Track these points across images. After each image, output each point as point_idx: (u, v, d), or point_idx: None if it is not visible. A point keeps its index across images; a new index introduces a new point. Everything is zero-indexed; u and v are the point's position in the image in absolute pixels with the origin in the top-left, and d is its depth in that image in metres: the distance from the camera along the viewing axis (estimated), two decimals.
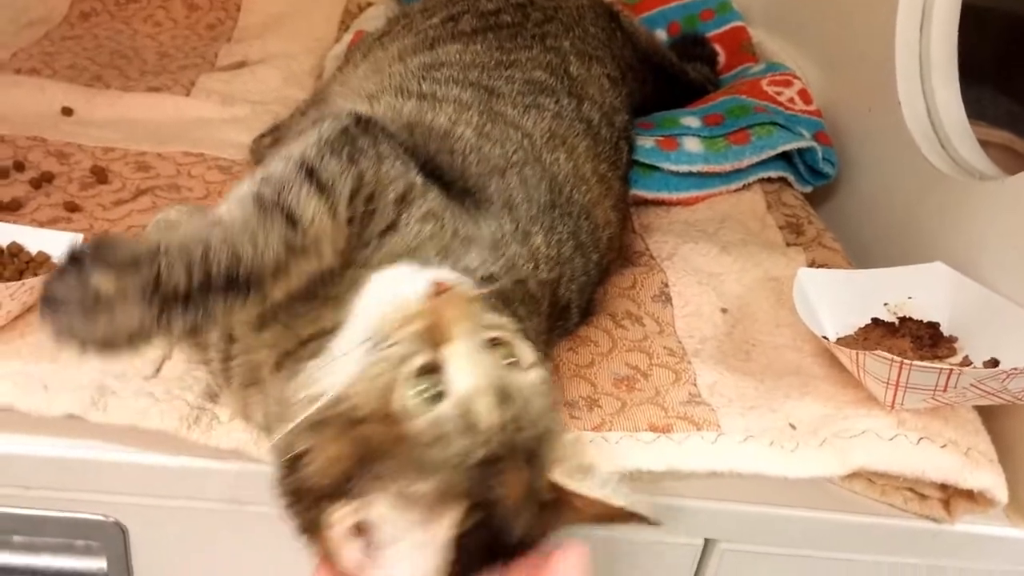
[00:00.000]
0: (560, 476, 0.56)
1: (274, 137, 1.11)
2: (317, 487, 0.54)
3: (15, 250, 0.84)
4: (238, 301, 0.58)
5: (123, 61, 1.36)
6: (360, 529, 0.53)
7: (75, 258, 0.56)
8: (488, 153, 0.81)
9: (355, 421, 0.53)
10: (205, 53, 1.43)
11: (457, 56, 0.94)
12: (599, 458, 0.68)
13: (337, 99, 1.00)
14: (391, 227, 0.68)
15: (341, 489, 0.53)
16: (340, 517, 0.53)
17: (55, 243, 0.84)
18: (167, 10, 1.54)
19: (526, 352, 0.59)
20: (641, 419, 0.72)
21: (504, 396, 0.54)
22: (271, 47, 1.44)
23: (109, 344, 0.56)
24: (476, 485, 0.52)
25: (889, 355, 0.67)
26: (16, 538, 0.75)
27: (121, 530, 0.72)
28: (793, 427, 0.73)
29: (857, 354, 0.71)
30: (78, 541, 0.75)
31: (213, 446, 0.67)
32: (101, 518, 0.72)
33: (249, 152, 1.11)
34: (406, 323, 0.55)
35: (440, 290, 0.57)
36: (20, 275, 0.80)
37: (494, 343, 0.57)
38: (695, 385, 0.78)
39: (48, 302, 0.56)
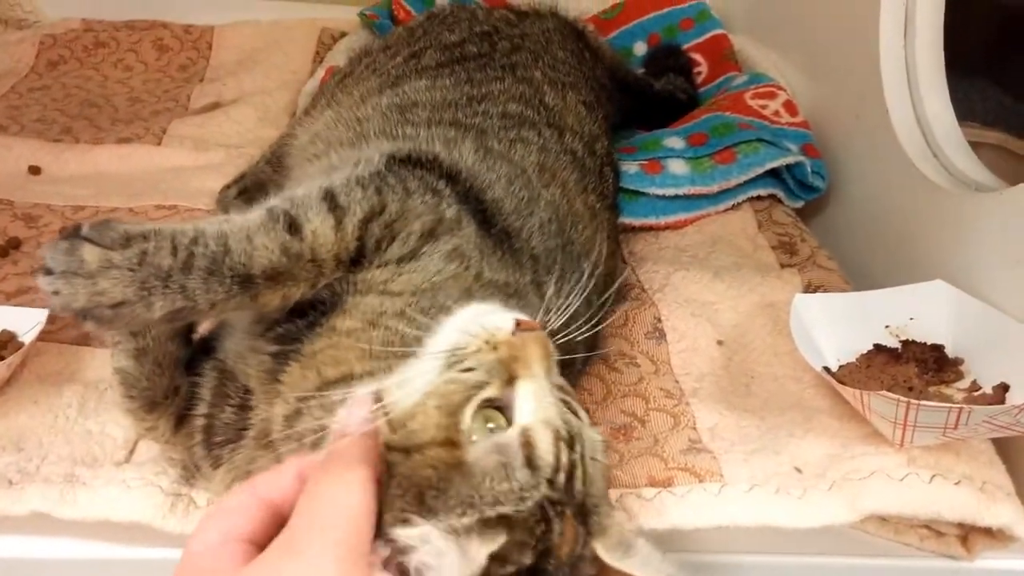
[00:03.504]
0: (603, 551, 0.52)
1: (240, 187, 1.08)
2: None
3: None
4: (220, 291, 0.58)
5: (93, 110, 1.33)
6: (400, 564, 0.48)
7: (74, 231, 0.58)
8: (510, 191, 0.78)
9: (417, 446, 0.50)
10: (178, 96, 1.40)
11: (427, 94, 0.91)
12: None
13: (306, 149, 0.96)
14: (411, 256, 0.66)
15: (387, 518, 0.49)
16: (382, 547, 0.48)
17: (21, 320, 0.80)
18: (137, 53, 1.51)
19: (583, 413, 0.56)
20: (640, 473, 0.69)
21: (570, 441, 0.51)
22: (246, 85, 1.41)
23: (93, 314, 0.57)
24: (536, 525, 0.48)
25: (895, 396, 0.64)
26: None
27: None
28: (799, 471, 0.70)
29: (862, 394, 0.68)
30: None
31: (190, 534, 0.63)
32: None
33: (216, 204, 1.08)
34: (487, 351, 0.53)
35: (525, 328, 0.54)
36: None
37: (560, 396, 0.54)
38: (695, 429, 0.75)
39: (43, 268, 0.58)
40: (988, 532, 0.68)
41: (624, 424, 0.76)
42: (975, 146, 1.00)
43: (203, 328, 0.73)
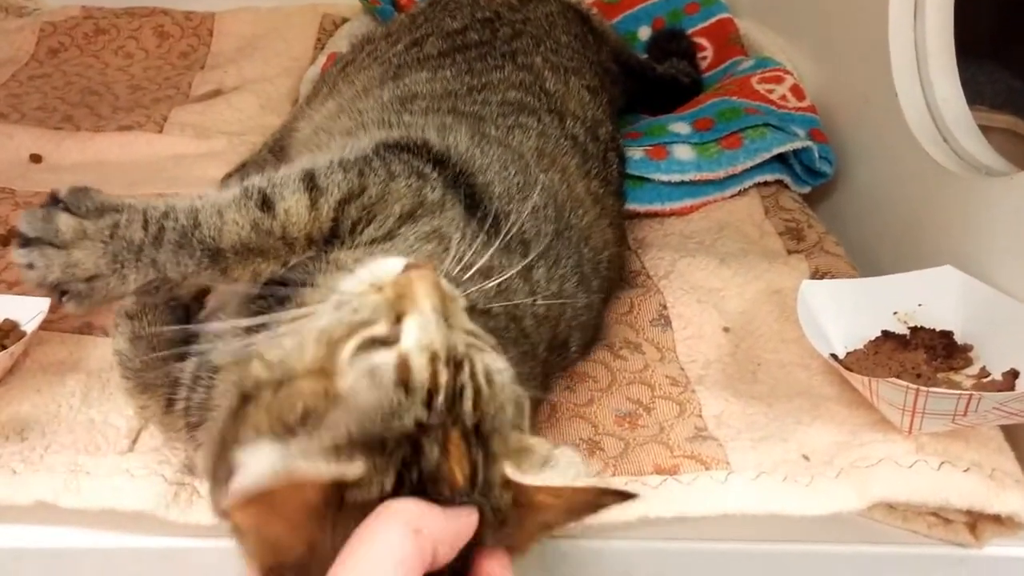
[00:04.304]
0: (514, 471, 0.49)
1: (241, 176, 1.07)
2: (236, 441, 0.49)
3: None
4: (190, 264, 0.60)
5: (94, 98, 1.33)
6: None
7: (51, 199, 0.60)
8: (502, 176, 0.77)
9: (288, 377, 0.49)
10: (179, 83, 1.39)
11: (427, 86, 0.90)
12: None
13: (308, 138, 0.96)
14: (386, 236, 0.66)
15: None
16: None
17: (23, 309, 0.80)
18: (138, 40, 1.49)
19: (499, 360, 0.53)
20: (646, 461, 0.69)
21: (457, 363, 0.49)
22: (247, 72, 1.40)
23: (68, 287, 0.59)
24: (398, 448, 0.46)
25: (904, 383, 0.63)
26: None
27: None
28: (807, 458, 0.69)
29: (871, 381, 0.67)
30: None
31: (193, 524, 0.63)
32: None
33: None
34: (372, 292, 0.52)
35: (413, 269, 0.53)
36: None
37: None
38: (701, 417, 0.74)
39: (19, 237, 0.60)
40: (997, 519, 0.67)
41: (629, 412, 0.75)
42: (984, 130, 0.99)
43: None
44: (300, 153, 0.94)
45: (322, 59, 1.33)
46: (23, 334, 0.78)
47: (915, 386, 0.63)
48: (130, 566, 0.66)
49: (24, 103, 1.29)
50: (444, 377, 0.48)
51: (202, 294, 0.75)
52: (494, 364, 0.52)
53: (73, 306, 0.61)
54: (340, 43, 1.39)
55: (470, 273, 0.63)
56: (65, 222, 0.58)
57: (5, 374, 0.76)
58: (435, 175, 0.71)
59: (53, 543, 0.65)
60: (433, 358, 0.48)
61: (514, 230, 0.73)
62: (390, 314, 0.50)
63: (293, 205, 0.63)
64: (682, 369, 0.81)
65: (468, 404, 0.48)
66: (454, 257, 0.64)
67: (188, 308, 0.73)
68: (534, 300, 0.72)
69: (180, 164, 1.15)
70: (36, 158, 1.15)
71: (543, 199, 0.78)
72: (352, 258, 0.63)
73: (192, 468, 0.67)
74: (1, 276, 0.91)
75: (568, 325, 0.76)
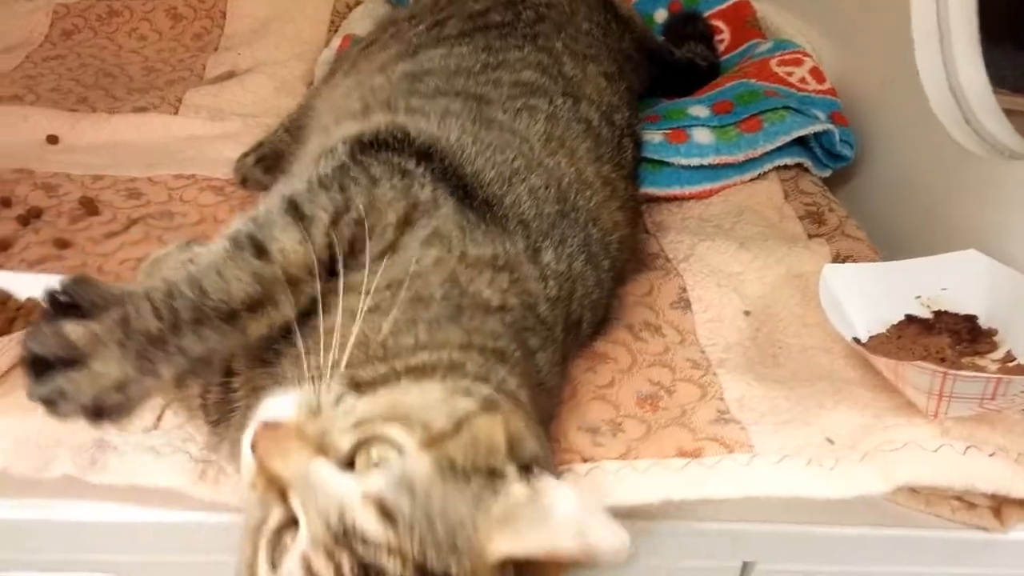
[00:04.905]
0: (505, 542, 0.49)
1: (258, 155, 1.07)
2: None
3: (3, 298, 0.80)
4: (212, 336, 0.57)
5: (108, 80, 1.32)
6: None
7: (51, 303, 0.57)
8: (497, 161, 0.77)
9: None
10: (192, 65, 1.38)
11: (441, 62, 0.89)
12: (626, 489, 0.65)
13: (322, 118, 0.95)
14: (390, 249, 0.65)
15: None
16: None
17: (46, 287, 0.80)
18: (151, 22, 1.49)
19: (402, 437, 0.51)
20: (668, 443, 0.69)
21: (350, 537, 0.47)
22: (260, 54, 1.39)
23: (104, 404, 0.55)
24: None
25: (931, 366, 0.63)
26: None
27: None
28: (831, 442, 0.69)
29: (897, 364, 0.66)
30: None
31: (222, 501, 0.63)
32: None
33: (234, 172, 1.07)
34: (250, 490, 0.51)
35: (263, 439, 0.51)
36: (10, 324, 0.77)
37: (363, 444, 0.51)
38: (723, 400, 0.74)
39: (31, 366, 0.56)
40: (1022, 504, 0.67)
41: (650, 394, 0.75)
42: (1006, 113, 0.98)
43: None
44: (315, 131, 0.94)
45: (336, 41, 1.32)
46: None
47: (942, 369, 0.63)
48: (156, 538, 0.66)
49: (39, 84, 1.28)
50: (349, 564, 0.47)
51: None
52: (408, 453, 0.50)
53: (115, 421, 0.56)
54: (354, 25, 1.38)
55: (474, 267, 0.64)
56: (74, 331, 0.54)
57: None
58: (420, 170, 0.70)
59: (80, 517, 0.65)
60: (328, 553, 0.47)
61: (511, 212, 0.72)
62: (274, 498, 0.50)
63: (287, 243, 0.61)
64: (703, 352, 0.80)
65: (395, 564, 0.47)
66: (460, 257, 0.64)
67: None
68: (546, 284, 0.72)
69: (195, 145, 1.15)
70: (53, 139, 1.15)
71: (542, 181, 0.78)
72: (360, 279, 0.61)
73: (215, 447, 0.67)
74: (21, 256, 0.91)
75: (580, 304, 0.76)
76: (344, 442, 0.50)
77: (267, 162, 1.06)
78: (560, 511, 0.51)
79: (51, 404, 0.55)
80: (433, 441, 0.51)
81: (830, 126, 1.04)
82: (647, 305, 0.86)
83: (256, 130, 1.16)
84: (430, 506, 0.48)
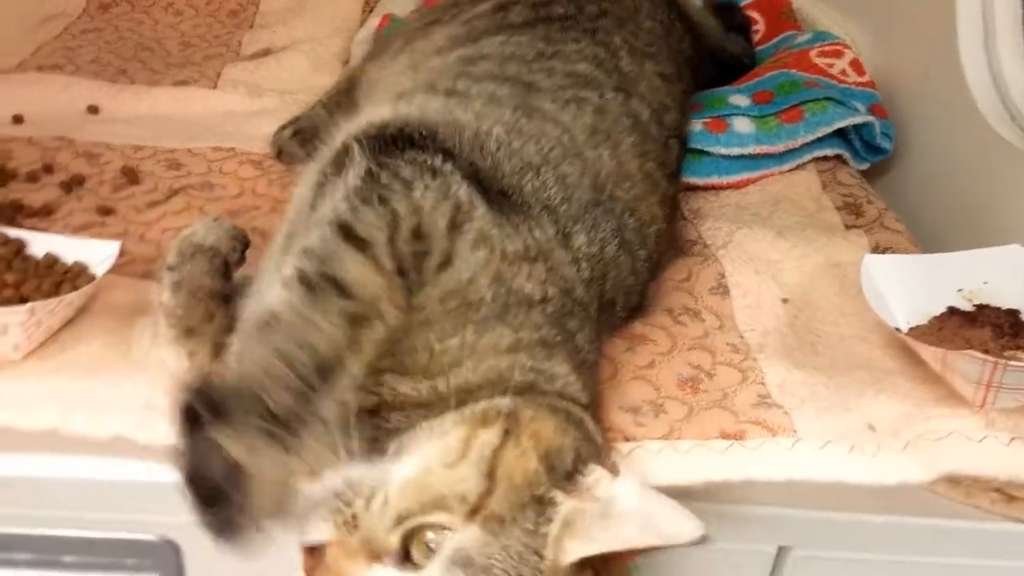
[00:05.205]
0: (575, 548, 0.51)
1: (295, 128, 1.07)
2: None
3: (50, 261, 0.81)
4: (343, 384, 0.57)
5: (147, 54, 1.33)
6: None
7: (185, 416, 0.55)
8: (521, 150, 0.77)
9: None
10: (229, 41, 1.39)
11: (498, 48, 0.89)
12: (668, 469, 0.66)
13: (372, 93, 0.95)
14: (447, 261, 0.64)
15: None
16: None
17: (92, 252, 0.81)
18: None
19: (446, 520, 0.52)
20: (711, 425, 0.69)
21: None
22: (296, 32, 1.40)
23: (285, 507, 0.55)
24: None
25: (982, 355, 0.63)
26: (66, 558, 0.74)
27: (174, 549, 0.70)
28: (872, 428, 0.69)
29: (945, 353, 0.67)
30: (129, 560, 0.73)
31: None
32: (153, 538, 0.70)
33: (270, 145, 1.08)
34: None
35: (313, 564, 0.52)
36: (57, 288, 0.78)
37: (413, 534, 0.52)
38: (763, 384, 0.74)
39: (196, 489, 0.54)
40: None
41: (691, 376, 0.75)
42: None
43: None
44: (366, 103, 0.94)
45: (374, 21, 1.32)
46: (92, 277, 0.79)
47: (993, 359, 0.63)
48: None
49: (78, 56, 1.29)
50: None
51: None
52: (456, 531, 0.51)
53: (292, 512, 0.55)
54: (391, 4, 1.38)
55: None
56: (230, 445, 0.52)
57: (77, 314, 0.77)
58: (448, 167, 0.69)
59: (128, 475, 0.66)
60: None
61: (533, 199, 0.73)
62: None
63: (359, 275, 0.60)
64: (741, 337, 0.81)
65: None
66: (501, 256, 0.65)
67: (226, 259, 0.76)
68: (579, 267, 0.72)
69: (233, 120, 1.15)
70: (93, 109, 1.15)
71: (577, 170, 0.78)
72: (435, 297, 0.62)
73: None
74: (65, 221, 0.92)
75: (614, 286, 0.77)
76: (392, 541, 0.52)
77: (303, 136, 1.06)
78: (622, 506, 0.53)
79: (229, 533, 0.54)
80: (476, 509, 0.52)
81: (871, 118, 1.03)
82: (686, 290, 0.86)
83: (293, 107, 1.17)
84: (491, 567, 0.51)
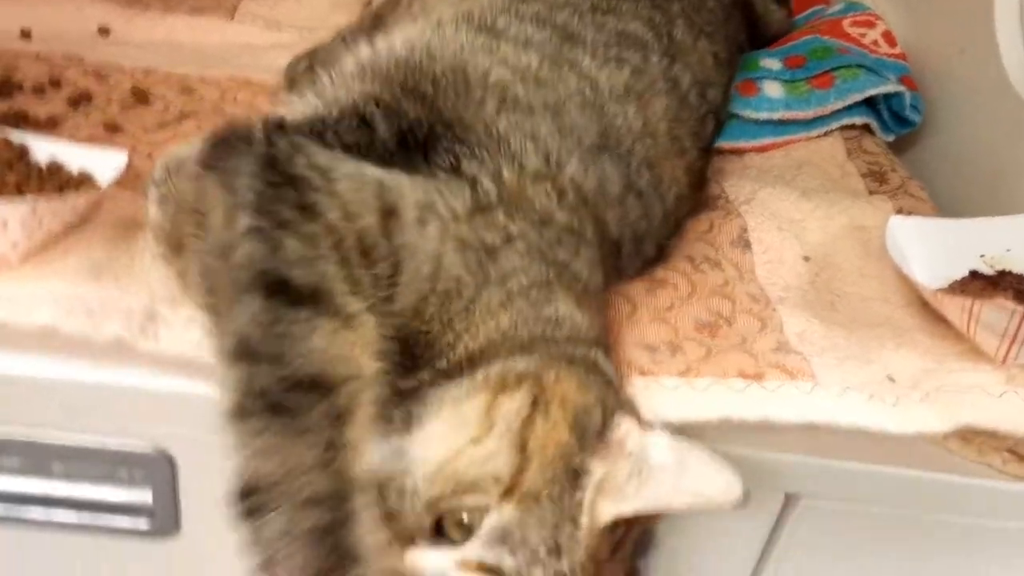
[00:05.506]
0: (609, 508, 0.51)
1: (310, 61, 1.05)
2: None
3: (54, 168, 0.78)
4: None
5: None
6: None
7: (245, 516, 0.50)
8: (519, 93, 0.73)
9: None
10: None
11: None
12: (684, 406, 0.64)
13: (405, 17, 0.93)
14: (396, 270, 0.56)
15: None
16: None
17: (98, 161, 0.78)
18: None
19: (480, 501, 0.50)
20: (730, 366, 0.67)
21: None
22: None
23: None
24: None
25: (1012, 303, 0.62)
26: (56, 466, 0.72)
27: (169, 462, 0.68)
28: (892, 380, 0.68)
29: (972, 303, 0.65)
30: (121, 471, 0.71)
31: None
32: (148, 450, 0.68)
33: (284, 73, 1.05)
34: None
35: None
36: (60, 193, 0.75)
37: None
38: (783, 333, 0.73)
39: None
40: None
41: (710, 322, 0.73)
42: None
43: None
44: (400, 26, 0.92)
45: None
46: (98, 188, 0.77)
47: (1023, 308, 0.61)
48: (207, 412, 0.65)
49: None
50: None
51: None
52: (492, 512, 0.50)
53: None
54: None
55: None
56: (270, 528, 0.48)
57: (79, 223, 0.75)
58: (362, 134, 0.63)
59: (126, 382, 0.64)
60: None
61: (520, 148, 0.68)
62: None
63: (321, 345, 0.50)
64: (762, 289, 0.79)
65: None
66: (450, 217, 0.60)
67: None
68: (561, 195, 0.67)
69: (250, 52, 1.13)
70: (104, 31, 1.13)
71: (587, 119, 0.75)
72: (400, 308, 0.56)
73: None
74: (70, 135, 0.90)
75: (618, 224, 0.74)
76: (424, 522, 0.50)
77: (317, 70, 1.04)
78: (654, 461, 0.51)
79: None
80: (511, 488, 0.50)
81: (902, 88, 1.02)
82: (707, 242, 0.84)
83: (311, 43, 1.14)
84: (528, 540, 0.49)
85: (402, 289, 0.56)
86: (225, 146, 0.59)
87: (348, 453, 0.49)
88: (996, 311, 0.63)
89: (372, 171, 0.59)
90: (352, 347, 0.51)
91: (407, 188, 0.59)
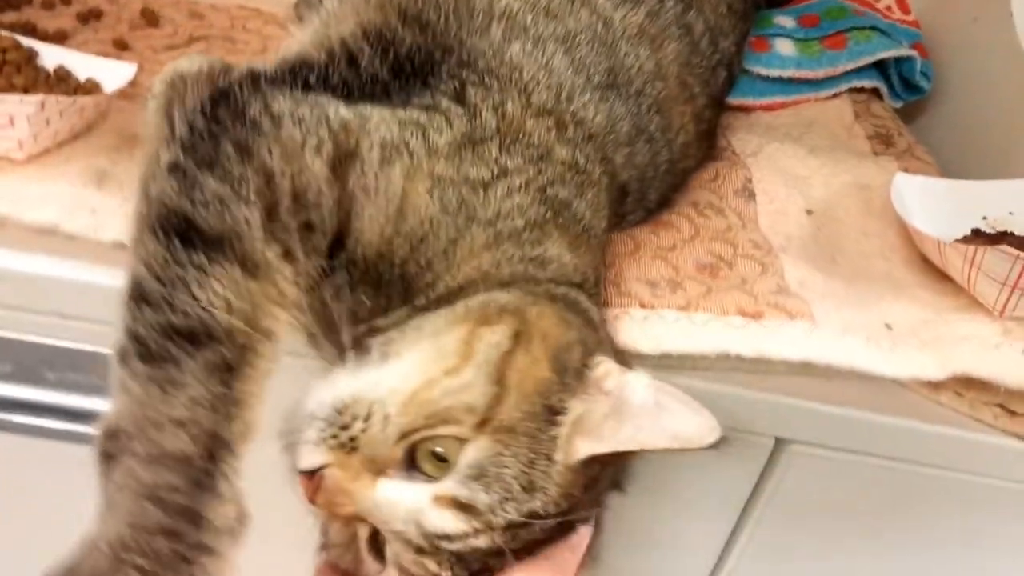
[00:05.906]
0: (585, 446, 0.50)
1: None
2: None
3: (62, 75, 0.78)
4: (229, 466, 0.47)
5: None
6: None
7: None
8: (527, 22, 0.70)
9: None
10: None
11: None
12: (682, 338, 0.64)
13: None
14: (348, 215, 0.53)
15: None
16: None
17: (106, 72, 0.78)
18: None
19: (454, 432, 0.49)
20: (729, 303, 0.68)
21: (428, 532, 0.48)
22: None
23: None
24: None
25: (1015, 250, 0.62)
26: (49, 374, 0.71)
27: None
28: (889, 327, 0.68)
29: (975, 250, 0.65)
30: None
31: None
32: None
33: (294, 6, 1.04)
34: (328, 524, 0.52)
35: (313, 486, 0.49)
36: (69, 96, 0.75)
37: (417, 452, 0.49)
38: (783, 278, 0.73)
39: None
40: None
41: (711, 264, 0.74)
42: None
43: None
44: None
45: None
46: (105, 96, 0.76)
47: None
48: None
49: None
50: (441, 562, 0.49)
51: None
52: (466, 443, 0.49)
53: None
54: None
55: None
56: None
57: (85, 129, 0.74)
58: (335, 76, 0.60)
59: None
60: (418, 549, 0.49)
61: (523, 67, 0.66)
62: (355, 521, 0.50)
63: (220, 294, 0.47)
64: (764, 237, 0.79)
65: (484, 539, 0.49)
66: (424, 153, 0.56)
67: None
68: (564, 129, 0.65)
69: None
70: None
71: (598, 57, 0.73)
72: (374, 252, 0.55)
73: None
74: (80, 49, 0.89)
75: (625, 165, 0.72)
76: (397, 454, 0.49)
77: None
78: (632, 401, 0.50)
79: None
80: (485, 420, 0.49)
81: (914, 53, 1.01)
82: (711, 190, 0.84)
83: None
84: (502, 475, 0.48)
85: (360, 233, 0.54)
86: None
87: (233, 409, 0.47)
88: (998, 257, 0.64)
89: (341, 113, 0.56)
90: (256, 297, 0.48)
91: (374, 127, 0.56)
